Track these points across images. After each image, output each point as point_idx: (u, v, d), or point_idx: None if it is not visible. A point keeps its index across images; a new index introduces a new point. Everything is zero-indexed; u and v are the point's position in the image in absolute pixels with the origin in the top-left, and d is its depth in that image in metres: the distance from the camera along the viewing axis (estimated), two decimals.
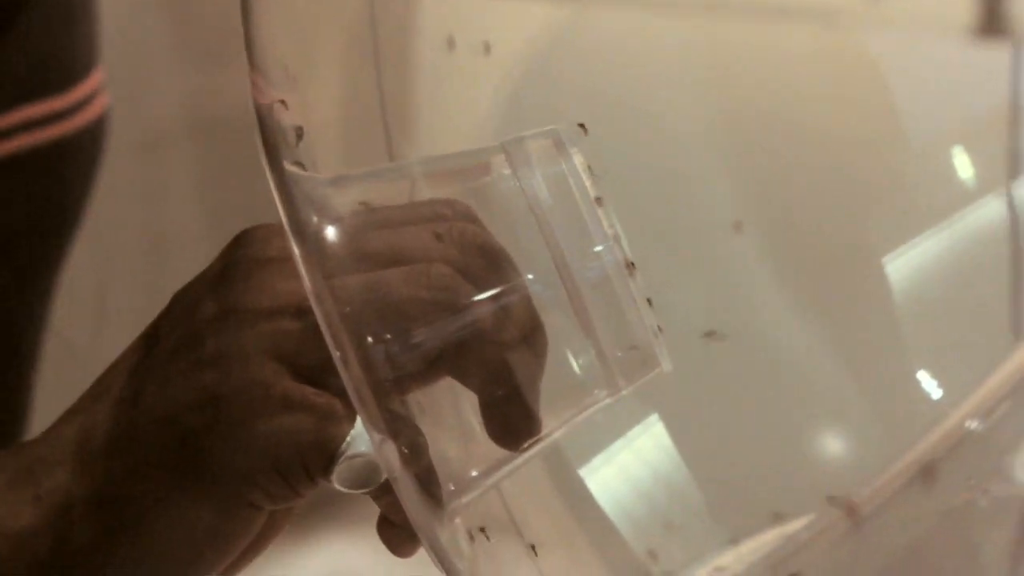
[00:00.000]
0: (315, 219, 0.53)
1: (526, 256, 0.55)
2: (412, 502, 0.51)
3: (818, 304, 0.75)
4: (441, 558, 0.51)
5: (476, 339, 0.54)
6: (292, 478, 0.54)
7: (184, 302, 0.56)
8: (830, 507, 0.70)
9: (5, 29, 0.86)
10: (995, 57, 0.76)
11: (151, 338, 0.57)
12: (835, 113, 0.76)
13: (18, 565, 0.55)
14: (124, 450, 0.55)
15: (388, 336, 0.52)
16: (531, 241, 0.55)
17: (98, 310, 1.58)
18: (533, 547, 0.61)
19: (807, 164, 0.75)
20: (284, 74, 0.55)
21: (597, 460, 0.70)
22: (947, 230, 0.72)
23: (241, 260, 0.55)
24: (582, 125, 0.56)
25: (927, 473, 0.70)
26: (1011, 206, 0.73)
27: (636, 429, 0.69)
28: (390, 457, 0.51)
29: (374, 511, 0.58)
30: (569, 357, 0.56)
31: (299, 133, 0.55)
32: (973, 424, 0.70)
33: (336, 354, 0.51)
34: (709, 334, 0.70)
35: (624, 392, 0.56)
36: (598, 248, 0.55)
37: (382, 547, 0.57)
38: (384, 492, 0.55)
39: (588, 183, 0.55)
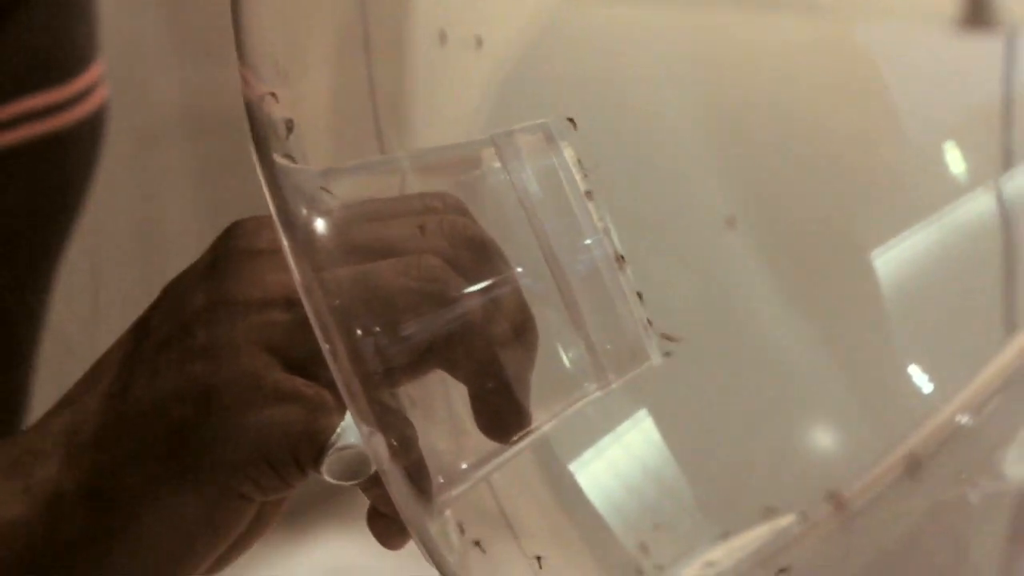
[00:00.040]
0: (304, 211, 0.53)
1: (516, 249, 0.55)
2: (401, 495, 0.51)
3: (808, 298, 0.75)
4: (430, 550, 0.51)
5: (466, 331, 0.53)
6: (282, 469, 0.54)
7: (174, 293, 0.56)
8: (820, 502, 0.70)
9: (5, 21, 0.86)
10: (987, 50, 0.76)
11: (141, 329, 0.57)
12: (827, 107, 0.76)
13: (8, 556, 0.55)
14: (114, 441, 0.55)
15: (377, 329, 0.52)
16: (521, 234, 0.55)
17: (92, 303, 1.58)
18: (539, 558, 0.61)
19: (797, 158, 0.75)
20: (274, 69, 0.55)
21: (587, 454, 0.70)
22: (938, 224, 0.72)
23: (231, 252, 0.55)
24: (572, 119, 0.56)
25: (917, 468, 0.70)
26: (1002, 200, 0.73)
27: (626, 424, 0.69)
28: (379, 449, 0.51)
29: None
30: (559, 350, 0.55)
31: (289, 126, 0.55)
32: (964, 419, 0.70)
33: (325, 347, 0.50)
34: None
35: (614, 386, 0.56)
36: (588, 241, 0.55)
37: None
38: (374, 484, 0.55)
39: (578, 177, 0.55)
